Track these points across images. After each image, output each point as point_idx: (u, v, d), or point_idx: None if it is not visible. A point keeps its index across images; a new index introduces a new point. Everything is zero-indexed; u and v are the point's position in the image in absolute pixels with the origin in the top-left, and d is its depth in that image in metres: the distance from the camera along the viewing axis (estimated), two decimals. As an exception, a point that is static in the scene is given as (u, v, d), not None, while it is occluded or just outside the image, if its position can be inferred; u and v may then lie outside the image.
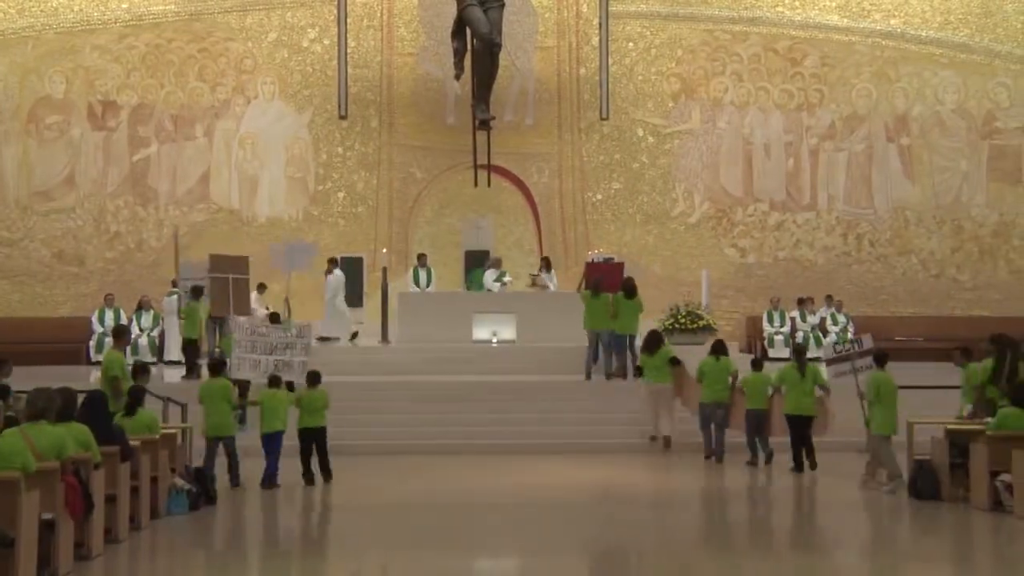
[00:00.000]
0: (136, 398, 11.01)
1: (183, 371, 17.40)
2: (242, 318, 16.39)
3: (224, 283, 16.75)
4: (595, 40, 23.04)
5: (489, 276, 20.30)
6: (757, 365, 14.44)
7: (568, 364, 17.43)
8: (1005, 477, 10.46)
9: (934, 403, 13.33)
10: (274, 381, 13.09)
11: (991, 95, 23.41)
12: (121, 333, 13.66)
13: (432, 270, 20.69)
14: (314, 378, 13.06)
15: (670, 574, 8.95)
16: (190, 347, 17.26)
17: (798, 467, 13.38)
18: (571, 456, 14.55)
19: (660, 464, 14.31)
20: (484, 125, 21.53)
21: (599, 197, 23.30)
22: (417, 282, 20.49)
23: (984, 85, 23.41)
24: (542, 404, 16.39)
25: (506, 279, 20.29)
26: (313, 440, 12.80)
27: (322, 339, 19.22)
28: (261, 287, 19.82)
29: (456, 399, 16.44)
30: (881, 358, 12.85)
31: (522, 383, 17.11)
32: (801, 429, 13.45)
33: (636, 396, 15.86)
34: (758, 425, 13.92)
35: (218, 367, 12.88)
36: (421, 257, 20.95)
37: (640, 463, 14.22)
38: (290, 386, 13.31)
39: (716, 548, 9.84)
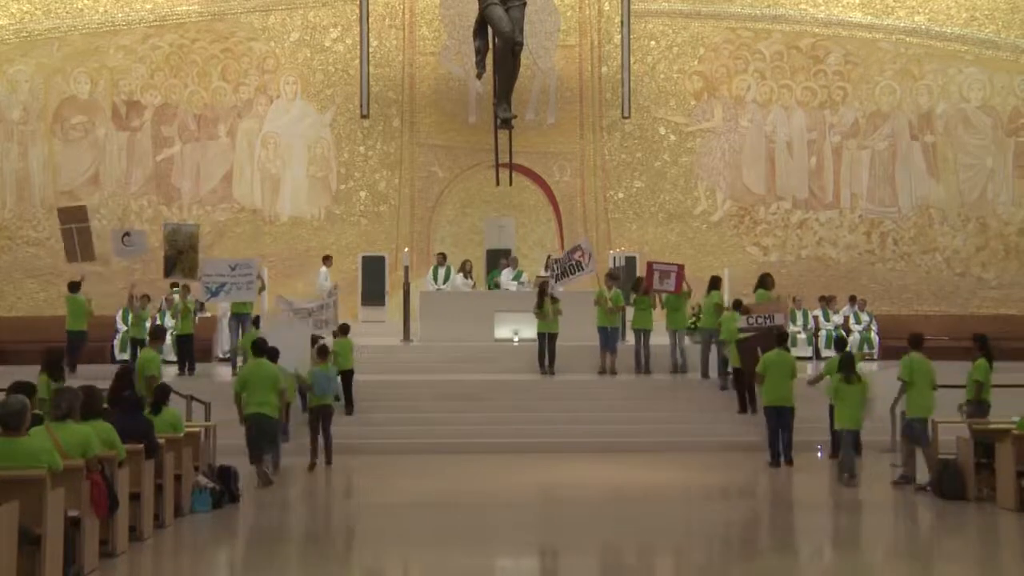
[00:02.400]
0: (161, 396, 11.09)
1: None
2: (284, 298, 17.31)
3: (70, 232, 17.88)
4: (617, 38, 22.99)
5: (506, 275, 20.29)
6: (715, 284, 17.47)
7: (585, 362, 17.37)
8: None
9: (958, 402, 13.22)
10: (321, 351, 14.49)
11: (1017, 92, 23.20)
12: (158, 334, 13.99)
13: (452, 268, 20.70)
14: (344, 329, 15.85)
15: (690, 573, 8.94)
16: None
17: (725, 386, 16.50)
18: (593, 455, 14.53)
19: (681, 462, 14.24)
20: (506, 124, 21.55)
21: (621, 196, 23.26)
22: (435, 279, 20.51)
23: (1010, 82, 23.21)
24: (564, 403, 16.38)
25: (523, 278, 20.25)
26: (347, 379, 15.48)
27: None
28: (328, 259, 20.35)
29: (477, 397, 16.45)
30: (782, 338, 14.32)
31: (543, 381, 17.09)
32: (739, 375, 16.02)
33: (659, 395, 15.84)
34: (708, 340, 17.03)
35: (264, 349, 13.14)
36: (440, 256, 20.98)
37: (662, 461, 14.16)
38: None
39: (739, 547, 9.80)
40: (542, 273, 20.07)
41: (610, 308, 17.20)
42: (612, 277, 17.89)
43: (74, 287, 18.30)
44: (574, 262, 18.22)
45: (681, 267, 17.96)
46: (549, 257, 20.32)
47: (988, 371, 12.66)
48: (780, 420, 13.72)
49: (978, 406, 12.52)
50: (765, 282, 17.50)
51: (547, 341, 17.20)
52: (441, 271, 20.59)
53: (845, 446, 12.59)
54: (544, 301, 17.14)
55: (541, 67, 23.19)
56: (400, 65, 23.21)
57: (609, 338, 17.25)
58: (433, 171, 23.22)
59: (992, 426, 11.63)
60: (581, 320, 17.44)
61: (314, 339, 16.29)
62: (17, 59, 22.45)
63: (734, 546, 9.89)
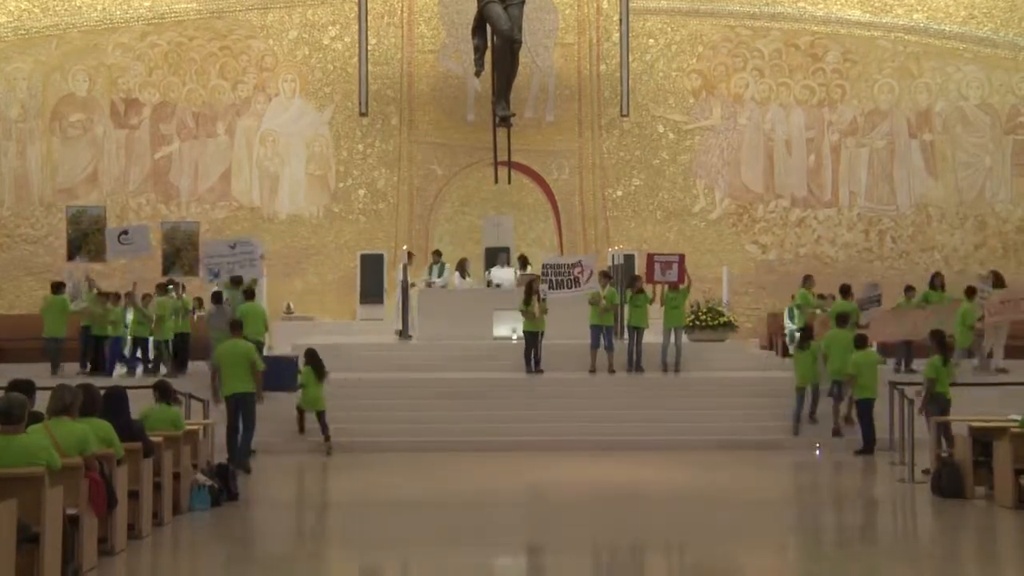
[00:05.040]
0: (164, 392, 11.09)
1: None
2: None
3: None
4: (615, 36, 22.98)
5: (495, 273, 20.29)
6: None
7: (579, 360, 17.36)
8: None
9: (957, 400, 13.25)
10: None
11: (1015, 90, 23.21)
12: (237, 327, 13.94)
13: (446, 265, 20.68)
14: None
15: (686, 571, 8.94)
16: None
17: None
18: (590, 453, 14.55)
19: (678, 461, 14.26)
20: (504, 122, 21.54)
21: (619, 194, 23.26)
22: (429, 274, 20.50)
23: (1008, 80, 23.22)
24: (561, 401, 16.38)
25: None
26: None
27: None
28: (437, 254, 20.68)
29: (477, 395, 16.45)
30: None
31: (538, 380, 17.09)
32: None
33: (656, 394, 15.83)
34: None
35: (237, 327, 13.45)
36: (435, 253, 20.97)
37: (659, 460, 14.18)
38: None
39: (735, 545, 9.79)
40: (527, 271, 19.98)
41: (604, 307, 17.17)
42: (606, 276, 17.86)
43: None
44: (573, 277, 18.05)
45: (682, 257, 18.02)
46: (544, 265, 18.86)
47: (941, 368, 12.81)
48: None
49: (934, 401, 12.67)
50: (1001, 279, 17.89)
51: (533, 339, 17.15)
52: (436, 268, 20.59)
53: (799, 399, 15.55)
54: (532, 299, 17.10)
55: (540, 65, 23.19)
56: (399, 63, 23.21)
57: (604, 337, 17.19)
58: (432, 169, 23.22)
59: (991, 424, 11.64)
60: (573, 318, 17.44)
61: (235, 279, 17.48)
62: (15, 57, 22.43)
63: (730, 544, 9.88)
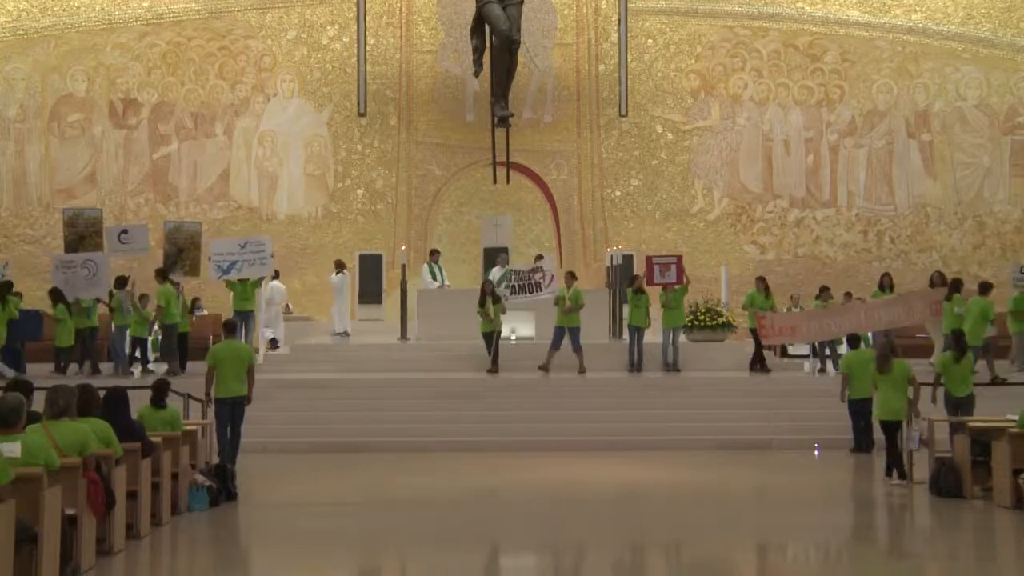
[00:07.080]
0: (161, 391, 11.07)
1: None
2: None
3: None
4: (614, 37, 23.01)
5: (495, 273, 20.26)
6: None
7: (577, 361, 17.33)
8: (1028, 475, 10.42)
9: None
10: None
11: (1014, 90, 23.25)
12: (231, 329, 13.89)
13: (442, 267, 20.67)
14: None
15: (685, 570, 8.95)
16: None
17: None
18: (591, 453, 14.55)
19: (678, 460, 14.27)
20: (503, 122, 21.57)
21: (618, 194, 23.27)
22: (433, 277, 20.49)
23: (1007, 80, 23.26)
24: (561, 400, 16.37)
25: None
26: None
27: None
28: (435, 253, 20.77)
29: (475, 396, 16.44)
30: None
31: (540, 380, 17.08)
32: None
33: (655, 393, 15.81)
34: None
35: (232, 328, 13.32)
36: (434, 253, 20.96)
37: (661, 460, 14.18)
38: None
39: (731, 543, 9.80)
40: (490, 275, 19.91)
41: (567, 308, 17.08)
42: (572, 276, 17.81)
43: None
44: (534, 282, 18.03)
45: (680, 258, 18.06)
46: (509, 271, 18.68)
47: (951, 364, 12.72)
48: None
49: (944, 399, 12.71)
50: (946, 282, 17.88)
51: (489, 339, 17.12)
52: (436, 268, 20.56)
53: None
54: (486, 300, 17.08)
55: (538, 65, 23.21)
56: (397, 63, 23.22)
57: (571, 338, 16.98)
58: (430, 169, 23.23)
59: (990, 424, 11.65)
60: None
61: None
62: (14, 57, 22.45)
63: (729, 543, 9.89)
